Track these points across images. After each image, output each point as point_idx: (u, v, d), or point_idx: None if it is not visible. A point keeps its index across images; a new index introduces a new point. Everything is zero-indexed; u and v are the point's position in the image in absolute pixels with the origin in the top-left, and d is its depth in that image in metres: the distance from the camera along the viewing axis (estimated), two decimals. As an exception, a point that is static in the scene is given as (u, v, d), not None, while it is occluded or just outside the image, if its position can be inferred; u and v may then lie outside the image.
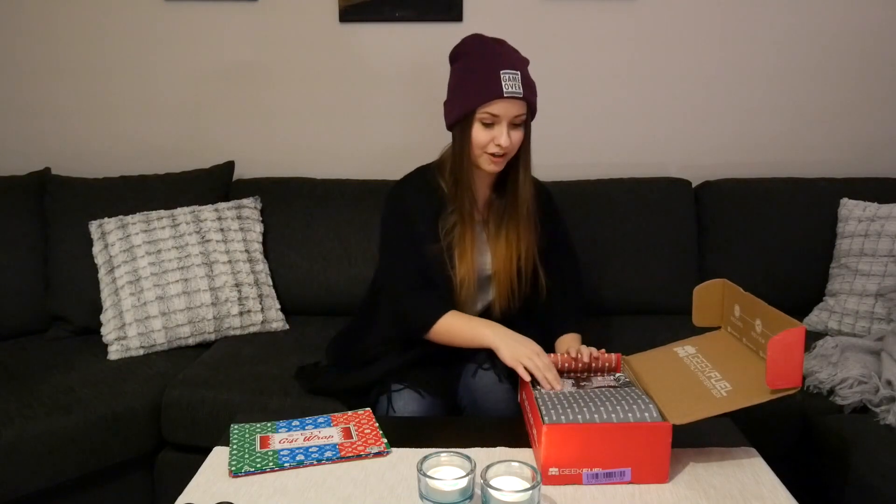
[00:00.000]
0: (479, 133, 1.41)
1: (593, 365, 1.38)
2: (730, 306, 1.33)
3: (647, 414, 1.14)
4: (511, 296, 1.55)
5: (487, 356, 1.42)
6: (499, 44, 1.44)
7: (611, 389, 1.25)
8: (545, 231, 1.58)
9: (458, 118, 1.42)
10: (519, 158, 1.47)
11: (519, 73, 1.38)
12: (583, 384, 1.30)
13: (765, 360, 1.17)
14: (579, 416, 1.13)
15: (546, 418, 1.13)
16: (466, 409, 1.46)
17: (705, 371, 1.25)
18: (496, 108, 1.38)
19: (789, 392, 1.09)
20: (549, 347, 1.37)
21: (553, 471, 1.10)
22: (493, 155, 1.42)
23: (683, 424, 1.11)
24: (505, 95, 1.36)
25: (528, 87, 1.41)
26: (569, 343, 1.49)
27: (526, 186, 1.50)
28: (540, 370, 1.29)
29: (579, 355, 1.36)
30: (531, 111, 1.44)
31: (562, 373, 1.35)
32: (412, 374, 1.46)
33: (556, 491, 1.09)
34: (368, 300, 1.67)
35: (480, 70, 1.39)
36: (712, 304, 1.37)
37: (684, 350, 1.36)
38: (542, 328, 1.55)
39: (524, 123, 1.43)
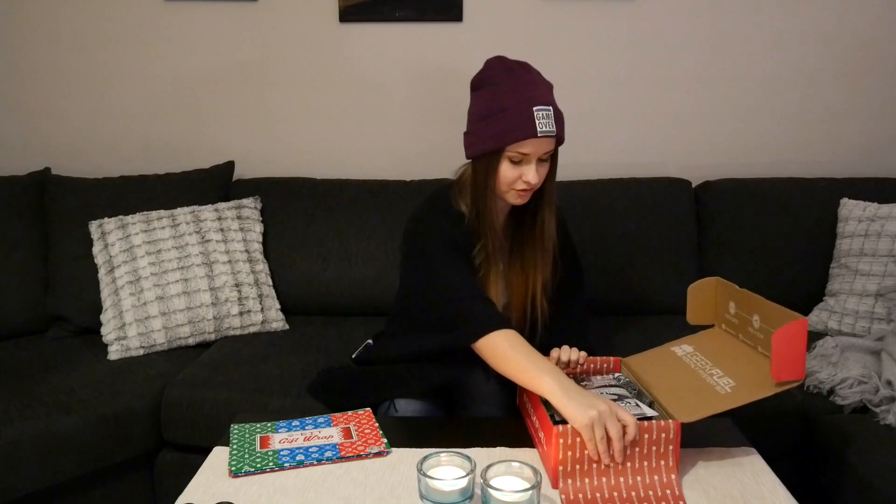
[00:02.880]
0: (507, 170, 1.33)
1: (592, 367, 1.38)
2: (724, 304, 1.33)
3: (653, 413, 1.15)
4: (524, 327, 1.50)
5: None
6: (525, 70, 1.34)
7: (612, 388, 1.26)
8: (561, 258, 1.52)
9: (484, 153, 1.34)
10: (544, 191, 1.40)
11: (551, 108, 1.31)
12: (584, 384, 1.30)
13: (764, 355, 1.18)
14: None
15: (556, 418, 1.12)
16: (463, 405, 1.45)
17: (706, 369, 1.25)
18: (528, 147, 1.30)
19: (793, 385, 1.09)
20: (545, 352, 1.34)
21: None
22: (519, 190, 1.36)
23: (692, 422, 1.11)
24: (539, 135, 1.29)
25: (559, 121, 1.32)
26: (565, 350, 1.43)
27: (551, 225, 1.43)
28: (603, 441, 1.06)
29: (578, 364, 1.35)
30: (558, 142, 1.37)
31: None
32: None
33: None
34: (391, 325, 1.62)
35: (512, 106, 1.29)
36: (706, 302, 1.37)
37: (682, 349, 1.36)
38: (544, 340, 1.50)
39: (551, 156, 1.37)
